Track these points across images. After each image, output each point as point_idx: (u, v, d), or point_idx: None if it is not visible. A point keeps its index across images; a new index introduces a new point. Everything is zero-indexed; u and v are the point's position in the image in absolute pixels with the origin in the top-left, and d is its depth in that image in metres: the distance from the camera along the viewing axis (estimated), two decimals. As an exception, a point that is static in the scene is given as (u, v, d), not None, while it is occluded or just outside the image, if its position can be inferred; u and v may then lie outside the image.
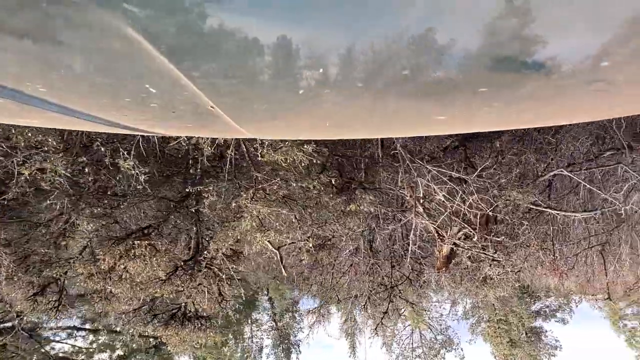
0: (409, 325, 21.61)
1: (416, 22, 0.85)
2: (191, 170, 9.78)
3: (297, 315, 19.90)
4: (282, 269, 10.78)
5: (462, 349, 20.80)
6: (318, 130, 1.52)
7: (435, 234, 10.83)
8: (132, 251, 8.85)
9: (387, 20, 0.85)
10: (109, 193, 9.86)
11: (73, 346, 16.72)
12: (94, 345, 16.83)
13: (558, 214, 11.74)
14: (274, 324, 19.16)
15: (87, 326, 17.14)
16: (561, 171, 10.93)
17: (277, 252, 9.91)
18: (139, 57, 0.98)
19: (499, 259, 10.84)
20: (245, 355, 19.48)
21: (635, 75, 1.03)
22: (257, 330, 19.42)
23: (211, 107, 1.17)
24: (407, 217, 10.91)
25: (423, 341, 21.18)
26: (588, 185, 11.44)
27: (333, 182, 8.84)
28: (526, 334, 21.98)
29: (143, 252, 8.84)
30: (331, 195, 9.09)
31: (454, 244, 10.80)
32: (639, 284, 13.39)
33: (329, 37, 0.90)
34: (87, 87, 1.12)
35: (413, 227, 10.98)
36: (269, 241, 9.05)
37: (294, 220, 8.81)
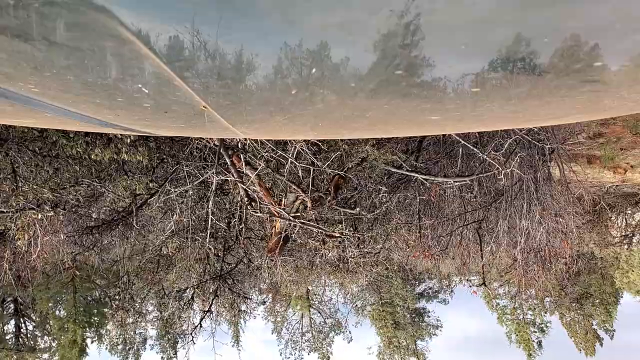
0: (299, 309, 21.63)
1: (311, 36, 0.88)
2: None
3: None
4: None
5: (349, 332, 21.24)
6: (312, 130, 1.53)
7: (264, 200, 8.17)
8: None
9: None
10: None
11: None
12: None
13: (426, 179, 9.48)
14: (159, 314, 17.57)
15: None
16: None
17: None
18: (132, 58, 0.99)
19: (335, 234, 8.48)
20: (128, 347, 18.99)
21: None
22: (141, 321, 18.24)
23: (204, 107, 1.17)
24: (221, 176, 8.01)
25: (312, 325, 21.32)
26: (463, 141, 8.93)
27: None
28: (410, 315, 22.43)
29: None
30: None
31: (281, 215, 8.14)
32: (514, 265, 12.18)
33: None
34: (80, 87, 1.12)
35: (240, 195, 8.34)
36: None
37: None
